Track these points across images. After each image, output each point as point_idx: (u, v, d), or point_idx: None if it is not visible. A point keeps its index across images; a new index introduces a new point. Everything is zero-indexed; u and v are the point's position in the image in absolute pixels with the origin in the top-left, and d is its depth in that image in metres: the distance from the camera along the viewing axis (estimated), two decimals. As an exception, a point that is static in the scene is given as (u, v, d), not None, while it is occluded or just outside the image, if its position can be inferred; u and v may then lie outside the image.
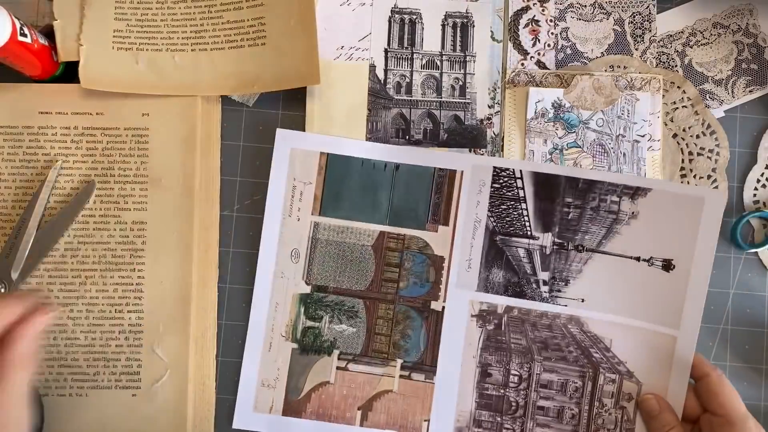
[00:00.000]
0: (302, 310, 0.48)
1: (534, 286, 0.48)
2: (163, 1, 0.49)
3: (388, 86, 0.51)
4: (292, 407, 0.48)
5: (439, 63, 0.52)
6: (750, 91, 0.52)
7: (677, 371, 0.46)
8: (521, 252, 0.48)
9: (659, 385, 0.46)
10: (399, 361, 0.48)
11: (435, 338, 0.48)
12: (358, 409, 0.48)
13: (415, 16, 0.52)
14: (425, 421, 0.48)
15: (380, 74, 0.51)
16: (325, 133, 0.50)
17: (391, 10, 0.52)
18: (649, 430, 0.45)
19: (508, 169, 0.47)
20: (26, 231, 0.46)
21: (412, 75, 0.52)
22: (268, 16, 0.49)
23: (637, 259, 0.47)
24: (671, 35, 0.52)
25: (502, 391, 0.48)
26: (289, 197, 0.48)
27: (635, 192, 0.46)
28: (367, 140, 0.50)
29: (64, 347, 0.47)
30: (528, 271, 0.48)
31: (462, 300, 0.48)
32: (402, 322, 0.49)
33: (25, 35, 0.44)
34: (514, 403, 0.48)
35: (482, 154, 0.49)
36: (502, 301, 0.48)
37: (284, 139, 0.48)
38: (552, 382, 0.47)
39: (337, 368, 0.48)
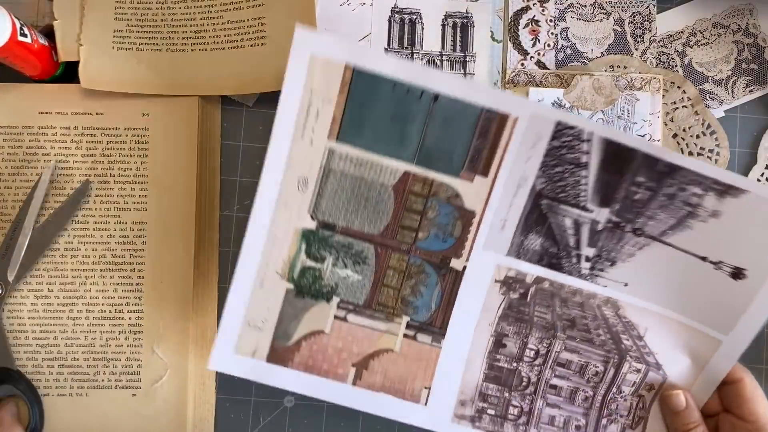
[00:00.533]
0: (303, 247, 0.42)
1: (574, 260, 0.43)
2: (163, 1, 0.49)
3: (388, 86, 0.51)
4: (279, 354, 0.43)
5: (439, 63, 0.52)
6: (750, 91, 0.52)
7: (709, 375, 0.43)
8: (568, 222, 0.42)
9: (685, 383, 0.44)
10: (405, 319, 0.43)
11: (450, 299, 0.43)
12: (353, 365, 0.43)
13: (415, 16, 0.52)
14: (426, 388, 0.44)
15: (380, 74, 0.51)
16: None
17: (391, 10, 0.52)
18: (671, 424, 0.43)
19: (574, 128, 0.39)
20: (22, 231, 0.46)
21: (412, 75, 0.52)
22: (268, 16, 0.49)
23: (704, 258, 0.42)
24: (671, 35, 0.52)
25: (514, 364, 0.44)
26: (303, 114, 0.39)
27: (726, 190, 0.39)
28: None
29: (64, 347, 0.47)
30: (571, 244, 0.43)
31: (488, 263, 0.43)
32: (415, 277, 0.43)
33: (25, 35, 0.44)
34: (525, 378, 0.44)
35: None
36: (533, 270, 0.43)
37: (304, 41, 0.38)
38: (571, 363, 0.44)
39: (335, 317, 0.43)
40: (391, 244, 0.43)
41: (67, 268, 0.48)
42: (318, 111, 0.40)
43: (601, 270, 0.43)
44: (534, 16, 0.52)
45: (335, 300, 0.43)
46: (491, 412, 0.44)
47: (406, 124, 0.40)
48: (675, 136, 0.51)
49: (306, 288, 0.43)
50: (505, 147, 0.40)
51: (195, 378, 0.48)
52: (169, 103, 0.49)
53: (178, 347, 0.47)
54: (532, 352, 0.44)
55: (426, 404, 0.44)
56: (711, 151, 0.51)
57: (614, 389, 0.44)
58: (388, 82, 0.39)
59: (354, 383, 0.43)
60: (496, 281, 0.43)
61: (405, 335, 0.44)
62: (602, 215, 0.41)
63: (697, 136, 0.51)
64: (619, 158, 0.40)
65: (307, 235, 0.42)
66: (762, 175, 0.51)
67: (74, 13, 0.49)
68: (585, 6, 0.52)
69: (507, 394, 0.44)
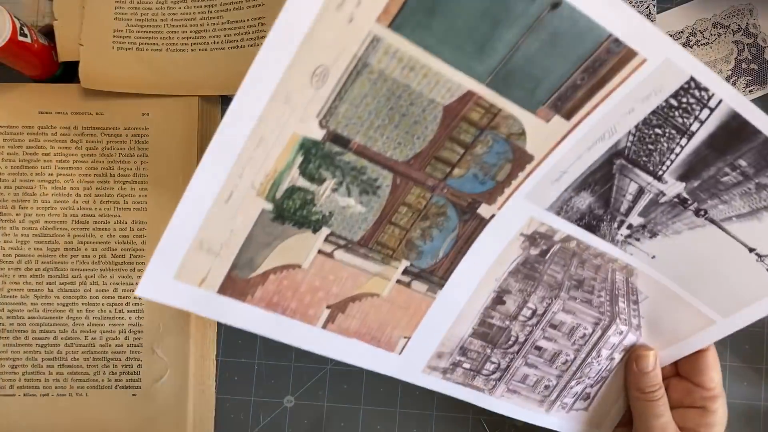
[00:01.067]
0: (299, 161, 0.31)
1: (615, 225, 0.38)
2: (163, 1, 0.49)
3: (388, 86, 0.51)
4: (235, 286, 0.33)
5: (439, 63, 0.51)
6: (750, 91, 0.52)
7: (684, 346, 0.42)
8: (633, 188, 0.37)
9: (656, 346, 0.43)
10: (404, 263, 0.36)
11: (462, 248, 0.37)
12: (327, 307, 0.36)
13: (415, 16, 0.52)
14: (405, 338, 0.39)
15: (380, 74, 0.51)
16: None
17: (391, 10, 0.51)
18: (633, 383, 0.42)
19: (706, 90, 0.32)
20: None
21: (412, 75, 0.51)
22: (268, 16, 0.49)
23: (751, 250, 0.38)
24: (671, 35, 0.52)
25: (507, 322, 0.40)
26: None
27: None
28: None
29: (64, 347, 0.47)
30: (622, 210, 0.38)
31: (522, 214, 0.37)
32: (431, 218, 0.36)
33: (25, 35, 0.44)
34: (513, 337, 0.41)
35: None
36: (567, 228, 0.38)
37: None
38: (563, 324, 0.41)
39: (319, 251, 0.34)
40: (415, 176, 0.34)
41: (67, 268, 0.48)
42: None
43: (638, 240, 0.39)
44: (534, 16, 0.52)
45: (324, 231, 0.34)
46: (466, 366, 0.41)
47: (498, 29, 0.29)
48: (675, 136, 0.51)
49: (289, 212, 0.33)
50: (610, 91, 0.32)
51: (195, 378, 0.48)
52: (169, 103, 0.49)
53: (178, 347, 0.47)
54: (529, 312, 0.40)
55: (400, 354, 0.39)
56: (711, 151, 0.51)
57: (594, 353, 0.42)
58: None
59: (324, 326, 0.36)
60: (521, 234, 0.38)
61: (398, 281, 0.37)
62: (674, 189, 0.37)
63: (697, 136, 0.51)
64: (734, 136, 0.34)
65: (307, 146, 0.31)
66: (762, 175, 0.51)
67: (74, 13, 0.49)
68: (585, 6, 0.52)
69: (489, 351, 0.41)
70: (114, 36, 0.49)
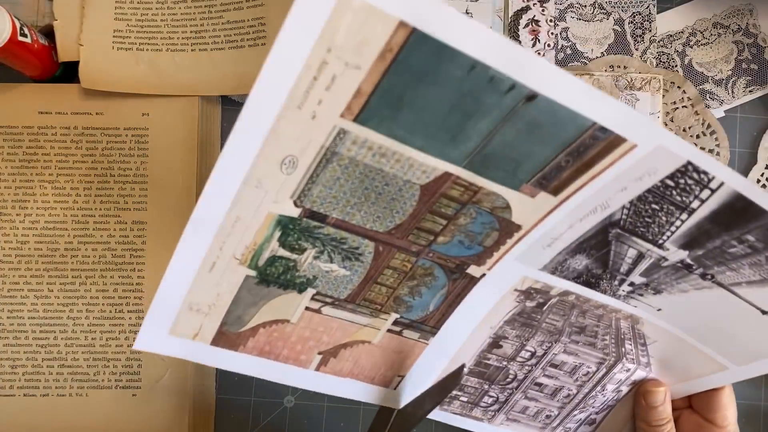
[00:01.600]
0: (277, 235, 0.32)
1: (616, 282, 0.37)
2: (163, 1, 0.49)
3: (388, 86, 0.51)
4: (227, 339, 0.35)
5: (439, 63, 0.51)
6: (750, 91, 0.52)
7: (696, 384, 0.41)
8: (631, 252, 0.35)
9: (667, 381, 0.42)
10: (394, 316, 0.37)
11: (453, 302, 0.37)
12: (319, 353, 0.37)
13: (415, 16, 0.52)
14: (399, 376, 0.39)
15: (380, 74, 0.51)
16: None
17: (391, 10, 0.51)
18: (641, 416, 0.42)
19: (706, 173, 0.30)
20: None
21: (412, 75, 0.51)
22: (268, 16, 0.49)
23: (764, 312, 0.36)
24: (671, 35, 0.52)
25: (504, 363, 0.40)
26: (309, 78, 0.26)
27: None
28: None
29: (64, 347, 0.47)
30: (622, 270, 0.36)
31: (514, 273, 0.36)
32: (418, 279, 0.35)
33: (25, 35, 0.44)
34: (512, 375, 0.40)
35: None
36: (564, 285, 0.37)
37: None
38: (565, 364, 0.40)
39: (306, 308, 0.35)
40: (398, 243, 0.34)
41: (67, 268, 0.48)
42: (334, 77, 0.26)
43: (641, 295, 0.37)
44: (534, 16, 0.52)
45: (310, 291, 0.35)
46: (464, 399, 0.41)
47: (471, 120, 0.28)
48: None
49: (273, 277, 0.34)
50: (599, 172, 0.31)
51: (195, 378, 0.48)
52: (169, 103, 0.49)
53: (178, 347, 0.47)
54: (528, 354, 0.40)
55: (395, 389, 0.40)
56: (711, 151, 0.51)
57: (598, 387, 0.42)
58: (464, 60, 0.26)
59: (317, 369, 0.37)
60: (515, 290, 0.37)
61: (389, 330, 0.37)
62: (677, 255, 0.35)
63: (697, 136, 0.51)
64: (739, 214, 0.32)
65: (284, 223, 0.32)
66: (762, 175, 0.51)
67: (74, 13, 0.49)
68: (585, 6, 0.52)
69: (486, 386, 0.41)
70: (114, 36, 0.49)
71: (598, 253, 0.35)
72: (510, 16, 0.52)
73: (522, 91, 0.27)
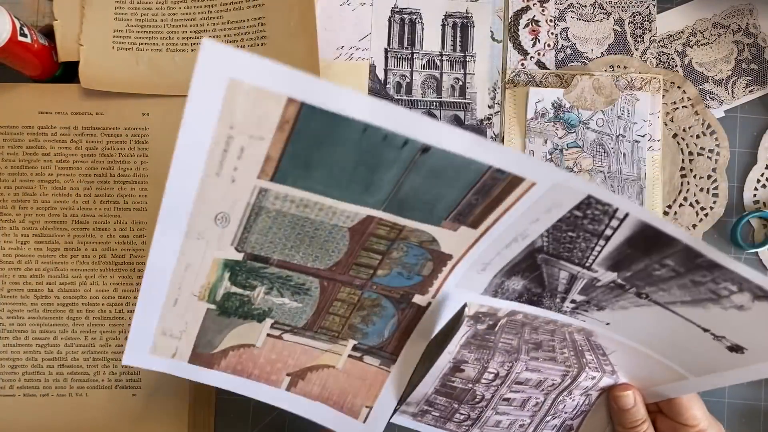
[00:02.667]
0: (227, 276, 0.35)
1: (558, 300, 0.38)
2: (163, 1, 0.49)
3: (388, 86, 0.51)
4: (202, 359, 0.38)
5: (439, 63, 0.52)
6: (750, 91, 0.52)
7: (660, 391, 0.41)
8: (563, 274, 0.37)
9: (635, 385, 0.43)
10: (352, 342, 0.39)
11: (407, 329, 0.39)
12: (287, 375, 0.39)
13: (415, 16, 0.52)
14: (367, 407, 0.41)
15: (380, 74, 0.51)
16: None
17: (391, 10, 0.52)
18: (617, 421, 0.42)
19: (608, 206, 0.32)
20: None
21: (412, 75, 0.52)
22: (268, 16, 0.49)
23: (706, 330, 0.37)
24: (671, 35, 0.52)
25: (469, 385, 0.41)
26: (220, 151, 0.29)
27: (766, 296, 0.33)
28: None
29: (64, 347, 0.47)
30: (560, 289, 0.38)
31: (458, 299, 0.38)
32: (368, 309, 0.38)
33: (25, 35, 0.44)
34: (479, 395, 0.41)
35: (570, 169, 0.33)
36: (508, 306, 0.38)
37: (216, 59, 0.26)
38: (529, 380, 0.41)
39: (269, 335, 0.38)
40: (341, 278, 0.36)
41: (67, 268, 0.48)
42: (242, 148, 0.29)
43: (585, 311, 0.38)
44: (534, 16, 0.52)
45: (268, 321, 0.38)
46: (435, 414, 0.42)
47: (377, 172, 0.31)
48: (675, 136, 0.51)
49: (231, 310, 0.37)
50: (508, 207, 0.33)
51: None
52: (169, 103, 0.49)
53: (178, 347, 0.47)
54: (492, 375, 0.40)
55: (364, 422, 0.41)
56: (711, 151, 0.51)
57: (566, 393, 0.42)
58: (355, 124, 0.28)
59: (288, 389, 0.40)
60: (464, 316, 0.38)
61: (350, 355, 0.39)
62: (607, 276, 0.36)
63: (697, 136, 0.51)
64: (652, 241, 0.33)
65: (230, 265, 0.35)
66: (762, 175, 0.51)
67: (74, 13, 0.49)
68: (585, 6, 0.52)
69: (456, 405, 0.42)
70: (114, 36, 0.49)
71: (531, 275, 0.37)
72: (510, 16, 0.52)
73: (416, 145, 0.29)
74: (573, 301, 0.38)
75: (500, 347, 0.39)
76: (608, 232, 0.33)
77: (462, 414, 0.42)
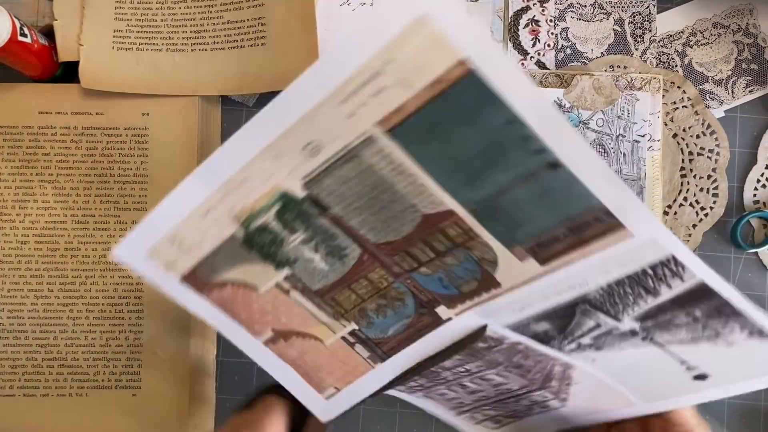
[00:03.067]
0: (276, 208, 0.33)
1: (565, 342, 0.38)
2: (163, 1, 0.49)
3: (388, 86, 0.51)
4: (196, 281, 0.35)
5: (439, 63, 0.52)
6: (750, 91, 0.52)
7: (602, 418, 0.41)
8: (590, 323, 0.36)
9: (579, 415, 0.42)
10: (353, 326, 0.37)
11: (412, 336, 0.37)
12: (272, 330, 0.37)
13: (415, 16, 0.52)
14: (335, 388, 0.39)
15: (380, 74, 0.51)
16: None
17: (391, 10, 0.52)
18: None
19: (683, 267, 0.32)
20: None
21: (412, 75, 0.51)
22: (268, 16, 0.49)
23: (683, 362, 0.37)
24: (671, 35, 0.52)
25: (440, 370, 0.40)
26: (359, 81, 0.27)
27: (763, 334, 0.35)
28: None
29: (64, 347, 0.47)
30: (575, 335, 0.37)
31: (476, 324, 0.36)
32: (389, 300, 0.36)
33: (25, 35, 0.44)
34: (443, 378, 0.41)
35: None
36: (517, 338, 0.37)
37: None
38: (492, 380, 0.41)
39: (276, 285, 0.35)
40: (383, 259, 0.34)
41: (67, 268, 0.48)
42: (381, 89, 0.28)
43: (582, 351, 0.38)
44: (534, 16, 0.52)
45: (285, 271, 0.35)
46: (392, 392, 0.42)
47: (491, 169, 0.29)
48: (675, 136, 0.51)
49: (257, 245, 0.34)
50: (590, 252, 0.32)
51: (195, 378, 0.48)
52: (169, 103, 0.49)
53: (178, 347, 0.47)
54: (464, 370, 0.40)
55: (327, 399, 0.39)
56: (711, 151, 0.51)
57: (513, 398, 0.42)
58: (507, 112, 0.27)
59: (265, 343, 0.37)
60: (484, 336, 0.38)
61: (343, 338, 0.37)
62: (629, 326, 0.36)
63: (697, 136, 0.51)
64: (699, 297, 0.33)
65: (286, 200, 0.33)
66: (762, 175, 0.51)
67: (74, 13, 0.49)
68: (585, 6, 0.52)
69: (416, 377, 0.41)
70: (114, 36, 0.49)
71: (560, 322, 0.36)
72: (510, 16, 0.52)
73: (548, 157, 0.28)
74: (578, 344, 0.37)
75: (486, 359, 0.39)
76: (663, 290, 0.33)
77: (417, 382, 0.41)
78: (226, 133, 0.51)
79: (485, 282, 0.34)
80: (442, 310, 0.36)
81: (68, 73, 0.50)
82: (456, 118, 0.28)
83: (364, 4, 0.52)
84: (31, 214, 0.48)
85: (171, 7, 0.49)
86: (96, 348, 0.47)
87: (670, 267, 0.32)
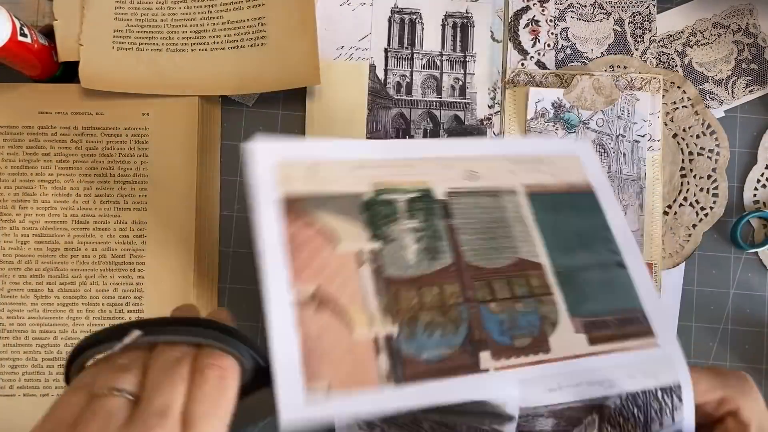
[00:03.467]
0: (411, 195, 0.38)
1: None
2: (163, 1, 0.49)
3: (388, 86, 0.51)
4: (293, 207, 0.36)
5: (439, 63, 0.52)
6: (750, 91, 0.52)
7: None
8: None
9: None
10: (393, 330, 0.34)
11: (442, 373, 0.34)
12: (315, 289, 0.34)
13: (415, 16, 0.52)
14: (328, 386, 0.33)
15: (380, 74, 0.51)
16: (327, 133, 0.50)
17: (391, 10, 0.52)
18: None
19: (682, 407, 0.35)
20: None
21: (412, 75, 0.52)
22: (268, 16, 0.49)
23: None
24: (671, 35, 0.52)
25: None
26: (528, 159, 0.41)
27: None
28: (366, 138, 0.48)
29: (64, 347, 0.47)
30: None
31: (503, 394, 0.34)
32: (446, 319, 0.35)
33: (25, 35, 0.44)
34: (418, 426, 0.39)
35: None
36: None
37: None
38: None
39: (356, 253, 0.35)
40: (465, 279, 0.36)
41: (67, 268, 0.48)
42: (539, 171, 0.41)
43: None
44: (534, 16, 0.52)
45: (375, 245, 0.36)
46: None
47: (582, 248, 0.39)
48: (675, 136, 0.51)
49: (373, 212, 0.36)
50: (624, 348, 0.36)
51: (195, 378, 0.48)
52: (169, 103, 0.49)
53: (178, 347, 0.47)
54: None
55: (307, 393, 0.33)
56: (711, 151, 0.51)
57: None
58: (603, 221, 0.40)
59: (295, 299, 0.34)
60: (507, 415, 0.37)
61: (375, 340, 0.34)
62: None
63: (697, 136, 0.51)
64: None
65: (426, 194, 0.38)
66: (762, 175, 0.51)
67: (74, 13, 0.49)
68: (585, 6, 0.52)
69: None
70: (114, 36, 0.49)
71: (564, 427, 0.36)
72: (510, 16, 0.52)
73: (618, 258, 0.39)
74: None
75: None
76: (655, 428, 0.36)
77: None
78: (225, 133, 0.51)
79: (538, 342, 0.36)
80: (485, 358, 0.35)
81: (68, 73, 0.50)
82: (573, 208, 0.40)
83: (364, 4, 0.52)
84: (31, 214, 0.48)
85: (171, 7, 0.49)
86: (96, 348, 0.47)
87: (672, 396, 0.35)
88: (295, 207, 0.36)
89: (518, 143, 0.38)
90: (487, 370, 0.34)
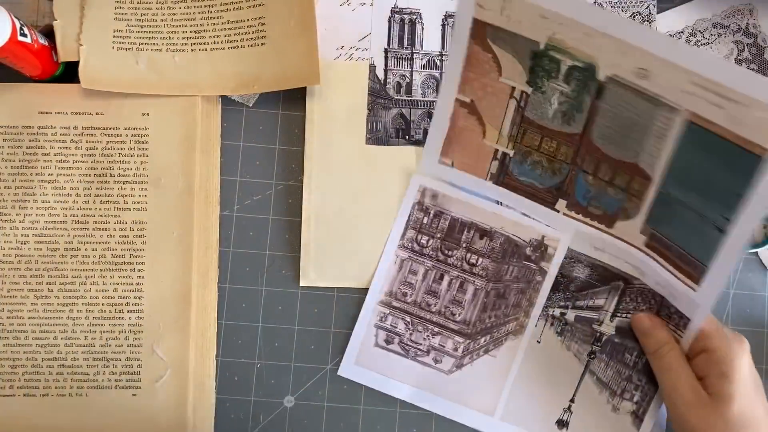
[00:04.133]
0: (576, 63, 0.40)
1: (566, 299, 0.49)
2: (163, 1, 0.49)
3: (388, 86, 0.51)
4: (480, 28, 0.42)
5: (439, 63, 0.52)
6: (750, 91, 0.52)
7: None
8: (610, 300, 0.48)
9: None
10: (510, 151, 0.46)
11: (528, 193, 0.47)
12: (467, 99, 0.45)
13: (415, 16, 0.52)
14: (450, 162, 0.48)
15: (380, 74, 0.51)
16: (327, 133, 0.50)
17: (391, 10, 0.52)
18: (644, 348, 0.45)
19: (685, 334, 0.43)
20: None
21: (412, 75, 0.52)
22: (268, 16, 0.49)
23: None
24: (671, 35, 0.52)
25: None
26: (718, 87, 0.35)
27: None
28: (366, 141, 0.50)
29: (64, 347, 0.47)
30: (595, 299, 0.48)
31: (559, 237, 0.48)
32: (549, 164, 0.45)
33: (25, 35, 0.44)
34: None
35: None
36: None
37: None
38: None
39: (512, 87, 0.44)
40: (583, 148, 0.43)
41: (67, 268, 0.48)
42: (721, 107, 0.36)
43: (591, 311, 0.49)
44: (534, 16, 0.52)
45: (528, 88, 0.43)
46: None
47: (697, 191, 0.39)
48: (675, 136, 0.51)
49: (539, 63, 0.42)
50: (672, 273, 0.43)
51: (195, 378, 0.48)
52: (169, 103, 0.49)
53: (178, 347, 0.47)
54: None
55: (439, 161, 0.48)
56: (711, 151, 0.51)
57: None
58: (749, 186, 0.36)
59: (461, 97, 0.45)
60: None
61: (495, 151, 0.47)
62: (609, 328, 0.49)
63: (697, 136, 0.51)
64: None
65: (588, 68, 0.40)
66: (762, 175, 0.51)
67: (74, 13, 0.49)
68: (585, 6, 0.52)
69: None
70: (114, 36, 0.49)
71: (595, 280, 0.48)
72: (510, 16, 0.52)
73: (723, 225, 0.38)
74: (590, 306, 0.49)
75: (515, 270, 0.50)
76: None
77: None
78: (226, 133, 0.51)
79: (607, 217, 0.45)
80: (561, 203, 0.46)
81: (68, 73, 0.50)
82: (726, 161, 0.37)
83: (364, 4, 0.52)
84: (31, 214, 0.48)
85: (171, 7, 0.49)
86: (96, 348, 0.47)
87: (682, 319, 0.43)
88: (482, 32, 0.42)
89: (730, 72, 0.34)
90: (558, 211, 0.47)
